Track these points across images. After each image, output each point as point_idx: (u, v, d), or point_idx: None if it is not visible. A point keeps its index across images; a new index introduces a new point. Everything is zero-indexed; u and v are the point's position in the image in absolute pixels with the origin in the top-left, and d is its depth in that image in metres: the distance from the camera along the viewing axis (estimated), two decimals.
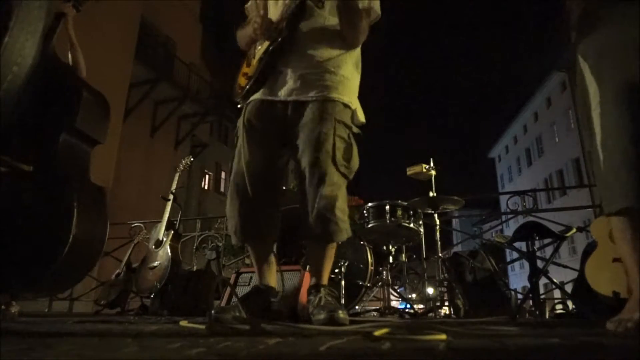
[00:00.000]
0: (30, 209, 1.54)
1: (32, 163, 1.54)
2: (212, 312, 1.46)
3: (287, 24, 1.67)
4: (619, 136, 1.21)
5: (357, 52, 1.79)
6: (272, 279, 1.76)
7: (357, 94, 1.75)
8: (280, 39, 1.67)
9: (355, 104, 1.72)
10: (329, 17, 1.70)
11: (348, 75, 1.71)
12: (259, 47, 1.77)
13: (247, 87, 1.72)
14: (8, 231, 1.48)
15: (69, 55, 2.12)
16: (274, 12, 1.78)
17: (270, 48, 1.69)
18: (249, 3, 1.93)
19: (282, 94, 1.67)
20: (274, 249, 1.80)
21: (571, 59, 1.39)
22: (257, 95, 1.73)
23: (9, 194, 1.53)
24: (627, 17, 1.26)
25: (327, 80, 1.65)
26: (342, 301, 2.87)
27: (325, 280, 1.65)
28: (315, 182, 1.56)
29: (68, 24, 2.01)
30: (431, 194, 3.31)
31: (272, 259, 1.77)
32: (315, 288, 1.62)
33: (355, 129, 1.70)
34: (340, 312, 1.40)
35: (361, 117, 1.73)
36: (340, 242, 1.65)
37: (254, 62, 1.76)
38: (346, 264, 2.97)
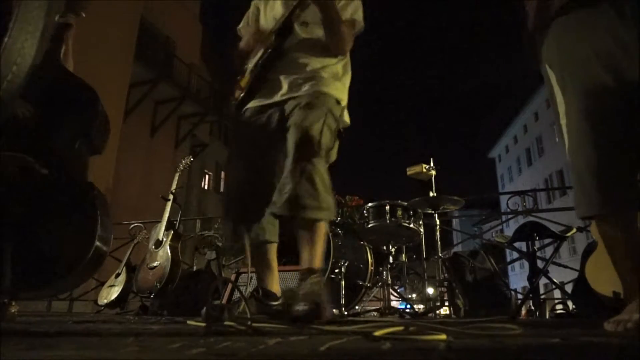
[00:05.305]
0: (47, 213, 1.54)
1: (47, 168, 1.56)
2: (206, 309, 1.42)
3: (276, 38, 1.77)
4: (582, 144, 1.24)
5: (346, 59, 1.85)
6: (272, 283, 1.71)
7: (346, 96, 1.80)
8: (270, 51, 1.77)
9: (345, 103, 1.78)
10: (315, 30, 1.77)
11: (338, 77, 1.78)
12: (252, 60, 1.85)
13: (241, 97, 1.81)
14: (25, 234, 1.47)
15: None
16: (265, 22, 1.90)
17: (260, 61, 1.79)
18: (242, 24, 2.03)
19: (275, 97, 1.74)
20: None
21: (541, 69, 1.42)
22: (250, 104, 1.80)
23: (21, 197, 1.52)
24: (589, 28, 1.27)
25: (318, 80, 1.72)
26: (342, 301, 2.87)
27: (315, 263, 1.54)
28: (300, 163, 1.53)
29: (70, 33, 2.02)
30: (431, 194, 3.32)
31: (272, 262, 1.73)
32: (303, 274, 1.53)
33: (341, 124, 1.74)
34: (320, 305, 1.35)
35: (347, 118, 1.79)
36: (321, 220, 1.55)
37: (247, 74, 1.84)
38: (346, 264, 2.97)
